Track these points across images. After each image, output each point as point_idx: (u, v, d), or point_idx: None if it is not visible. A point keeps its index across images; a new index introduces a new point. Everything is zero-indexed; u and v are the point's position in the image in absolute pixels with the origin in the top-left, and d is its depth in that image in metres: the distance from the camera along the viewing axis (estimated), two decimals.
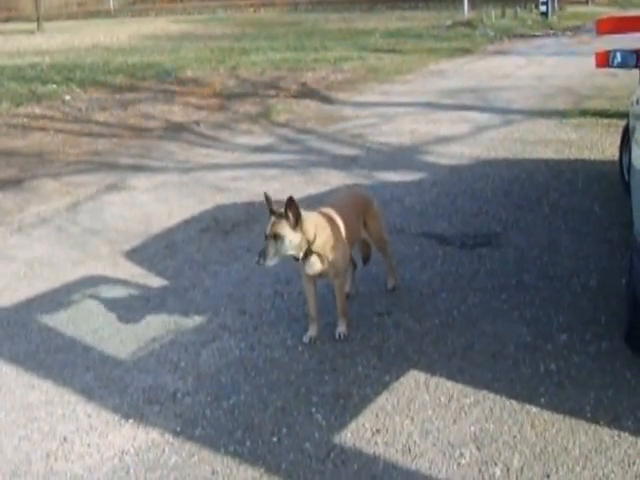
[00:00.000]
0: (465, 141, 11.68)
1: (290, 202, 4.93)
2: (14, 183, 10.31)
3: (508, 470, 4.12)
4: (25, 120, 14.60)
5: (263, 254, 4.91)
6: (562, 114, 13.16)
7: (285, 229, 4.94)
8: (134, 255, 7.40)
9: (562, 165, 9.79)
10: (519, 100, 14.89)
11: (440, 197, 8.70)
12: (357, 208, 5.81)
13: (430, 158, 10.72)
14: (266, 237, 4.97)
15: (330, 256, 5.22)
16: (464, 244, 7.23)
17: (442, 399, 4.77)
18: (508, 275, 6.49)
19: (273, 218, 4.99)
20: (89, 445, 4.52)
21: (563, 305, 5.89)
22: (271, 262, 4.97)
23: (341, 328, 5.51)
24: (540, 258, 6.81)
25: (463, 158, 10.53)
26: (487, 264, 6.74)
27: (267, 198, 5.07)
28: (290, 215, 4.94)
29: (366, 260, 6.19)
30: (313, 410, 4.71)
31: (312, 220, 5.16)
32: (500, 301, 6.00)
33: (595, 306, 5.85)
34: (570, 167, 9.64)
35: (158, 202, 9.16)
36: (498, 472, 4.12)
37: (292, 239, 4.98)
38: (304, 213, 5.06)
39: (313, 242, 5.12)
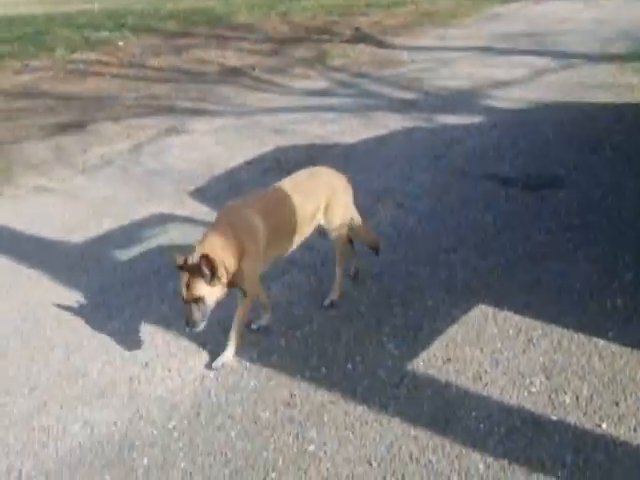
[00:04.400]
0: (524, 85, 11.61)
1: (206, 260, 4.26)
2: (76, 126, 10.45)
3: (577, 398, 4.22)
4: (81, 66, 14.71)
5: (191, 322, 4.36)
6: (622, 58, 12.99)
7: (203, 289, 4.33)
8: (199, 195, 7.55)
9: (624, 109, 9.69)
10: (578, 44, 14.70)
11: (501, 140, 8.70)
12: (311, 197, 5.04)
13: (489, 101, 10.70)
14: (185, 301, 4.38)
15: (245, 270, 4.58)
16: (527, 186, 7.25)
17: (510, 332, 4.87)
18: (572, 216, 6.52)
19: (185, 277, 4.33)
20: (170, 370, 4.70)
21: (628, 245, 5.92)
22: (202, 325, 4.40)
23: (227, 355, 4.79)
24: (604, 199, 6.82)
25: (522, 102, 10.48)
26: (550, 205, 6.77)
27: (171, 251, 4.51)
28: (206, 271, 4.29)
29: (376, 249, 5.58)
30: (385, 340, 4.85)
31: (226, 253, 4.44)
32: (565, 240, 6.05)
33: None
34: (632, 111, 9.54)
35: (218, 144, 9.28)
36: (568, 400, 4.22)
37: (213, 296, 4.41)
38: (211, 247, 4.40)
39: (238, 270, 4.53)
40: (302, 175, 5.24)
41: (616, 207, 6.65)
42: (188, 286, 4.31)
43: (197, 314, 4.34)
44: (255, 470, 3.87)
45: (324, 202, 5.05)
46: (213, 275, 4.30)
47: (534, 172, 7.58)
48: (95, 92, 12.68)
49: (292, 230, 4.88)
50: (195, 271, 4.28)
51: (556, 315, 5.01)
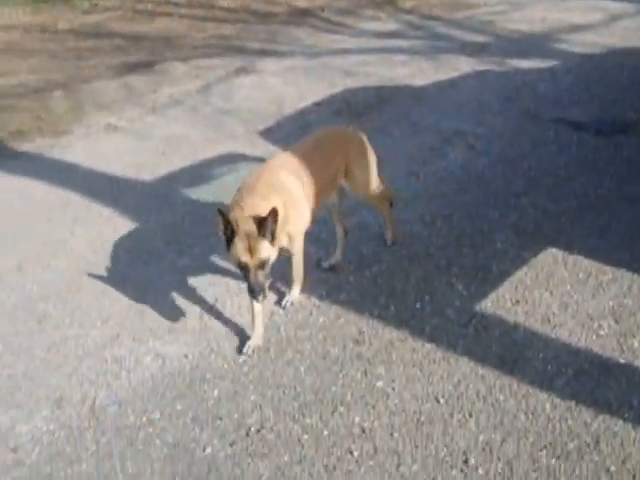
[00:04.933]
0: (598, 30, 11.34)
1: (273, 217, 3.98)
2: (145, 66, 10.52)
3: None
4: (149, 6, 14.75)
5: (261, 289, 4.01)
6: None
7: (269, 250, 4.05)
8: (269, 134, 7.59)
9: None
10: None
11: (574, 84, 8.55)
12: (330, 156, 4.75)
13: (562, 46, 10.49)
14: (247, 268, 4.01)
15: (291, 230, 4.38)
16: (600, 131, 7.14)
17: (580, 275, 4.85)
18: None
19: (245, 241, 3.97)
20: (239, 306, 4.79)
21: None
22: (268, 292, 4.19)
23: (294, 295, 4.80)
24: None
25: (596, 47, 10.25)
26: (623, 151, 6.66)
27: (221, 213, 4.00)
28: (268, 232, 4.01)
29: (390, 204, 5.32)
30: (453, 280, 4.87)
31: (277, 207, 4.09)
32: (637, 186, 5.96)
33: None
34: None
35: (288, 85, 9.27)
36: (636, 343, 4.21)
37: (274, 255, 4.14)
38: (263, 204, 4.11)
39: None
40: (321, 136, 4.97)
41: None
42: (251, 250, 3.97)
43: (263, 279, 4.02)
44: (324, 404, 3.94)
45: (344, 164, 4.78)
46: (273, 235, 4.03)
47: (608, 118, 7.45)
48: (164, 32, 12.72)
49: (317, 192, 4.58)
50: (256, 233, 3.95)
51: (627, 260, 4.96)
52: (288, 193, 4.33)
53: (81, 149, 7.67)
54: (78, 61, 10.77)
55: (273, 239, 4.03)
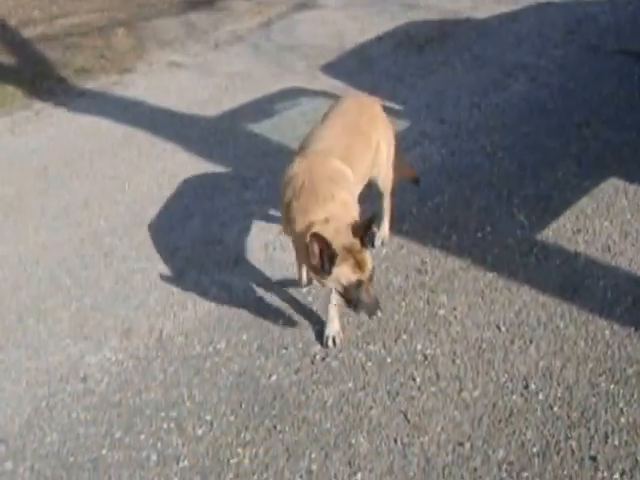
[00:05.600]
0: None
1: (371, 221, 3.51)
2: (206, 3, 10.51)
3: None
4: None
5: (379, 304, 3.63)
6: None
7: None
8: (330, 69, 7.61)
9: None
10: None
11: (636, 15, 8.36)
12: (368, 133, 4.23)
13: None
14: (361, 286, 3.50)
15: None
16: None
17: None
18: None
19: (354, 257, 3.45)
20: None
21: None
22: None
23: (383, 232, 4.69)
24: None
25: None
26: None
27: (318, 236, 3.38)
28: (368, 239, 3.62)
29: (416, 181, 5.01)
30: (515, 210, 4.92)
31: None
32: None
33: None
34: None
35: (349, 19, 9.23)
36: None
37: None
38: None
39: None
40: (351, 108, 4.39)
41: None
42: (360, 265, 3.46)
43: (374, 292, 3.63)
44: (387, 332, 4.06)
45: (376, 141, 4.27)
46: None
47: None
48: None
49: (361, 178, 4.14)
50: (359, 245, 3.47)
51: None
52: (348, 182, 3.85)
53: (144, 86, 7.78)
54: (139, 0, 10.82)
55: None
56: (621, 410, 3.47)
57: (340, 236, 3.42)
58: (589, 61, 7.13)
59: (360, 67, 7.42)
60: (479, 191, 5.16)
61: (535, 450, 3.34)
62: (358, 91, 6.25)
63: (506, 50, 7.53)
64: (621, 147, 5.53)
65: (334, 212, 3.55)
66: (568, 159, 5.43)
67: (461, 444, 3.41)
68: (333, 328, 4.01)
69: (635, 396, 3.52)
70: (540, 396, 3.58)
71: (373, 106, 4.46)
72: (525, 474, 3.25)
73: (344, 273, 3.43)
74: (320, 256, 3.38)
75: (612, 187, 5.07)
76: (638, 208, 4.84)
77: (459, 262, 4.49)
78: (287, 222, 3.78)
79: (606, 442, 3.33)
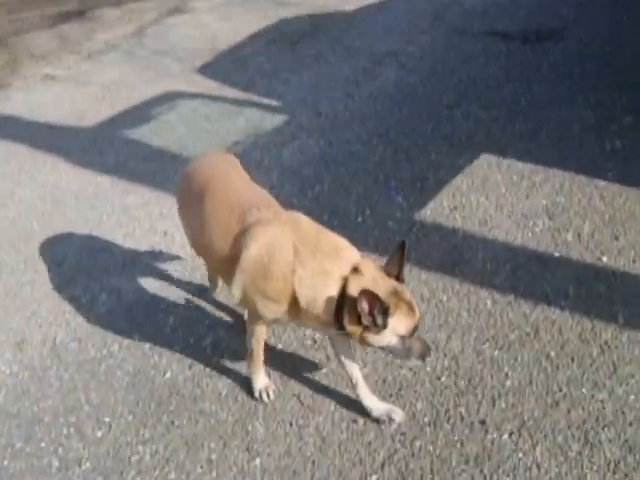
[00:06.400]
0: None
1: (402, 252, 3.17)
2: (77, 14, 10.39)
3: (579, 235, 4.43)
4: None
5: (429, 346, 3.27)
6: None
7: None
8: (206, 71, 7.63)
9: None
10: None
11: None
12: None
13: None
14: (417, 330, 3.14)
15: None
16: (527, 39, 7.28)
17: (514, 178, 5.04)
18: (571, 65, 6.57)
19: (404, 303, 3.06)
20: None
21: (627, 90, 5.99)
22: None
23: None
24: (602, 48, 6.84)
25: None
26: (550, 56, 6.82)
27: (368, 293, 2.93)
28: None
29: None
30: (393, 193, 5.05)
31: None
32: (564, 88, 6.14)
33: None
34: None
35: (222, 20, 9.27)
36: (570, 237, 4.42)
37: None
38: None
39: None
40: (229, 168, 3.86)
41: (614, 54, 6.68)
42: (412, 308, 3.09)
43: None
44: None
45: None
46: None
47: (534, 26, 7.58)
48: None
49: None
50: (402, 287, 3.13)
51: (557, 160, 5.16)
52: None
53: (20, 101, 7.66)
54: (9, 15, 10.61)
55: None
56: (506, 374, 3.60)
57: (380, 283, 3.04)
58: (457, 44, 7.34)
59: (235, 67, 7.46)
60: (357, 178, 5.27)
61: (426, 420, 3.43)
62: (225, 103, 6.32)
63: (375, 40, 7.69)
64: (491, 124, 5.72)
65: (353, 259, 3.15)
66: (441, 140, 5.59)
67: (355, 421, 3.48)
68: (261, 381, 3.71)
69: (519, 359, 3.65)
70: (428, 368, 3.68)
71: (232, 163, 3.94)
72: (418, 443, 3.33)
73: (401, 322, 3.04)
74: (370, 313, 2.97)
75: (485, 163, 5.24)
76: (511, 181, 5.01)
77: None
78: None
79: (494, 406, 3.44)
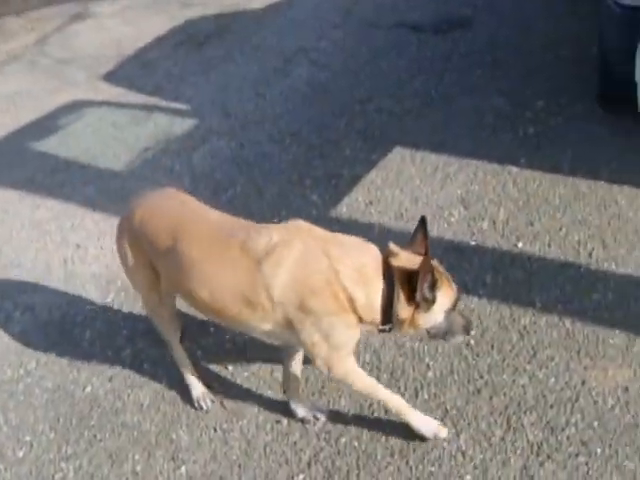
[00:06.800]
0: None
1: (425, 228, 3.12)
2: None
3: (494, 223, 4.43)
4: None
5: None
6: None
7: None
8: (112, 77, 7.47)
9: None
10: None
11: None
12: None
13: None
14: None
15: None
16: (437, 30, 7.28)
17: (428, 169, 5.03)
18: (482, 54, 6.59)
19: (444, 276, 3.07)
20: (102, 247, 4.80)
21: (538, 76, 6.04)
22: None
23: None
24: (513, 36, 6.88)
25: None
26: (461, 46, 6.84)
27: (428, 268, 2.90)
28: None
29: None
30: (307, 192, 5.00)
31: None
32: (476, 77, 6.16)
33: (569, 74, 6.01)
34: None
35: (126, 25, 9.07)
36: (485, 225, 4.43)
37: None
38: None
39: None
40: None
41: (525, 42, 6.72)
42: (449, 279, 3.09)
43: None
44: (195, 327, 4.01)
45: None
46: None
47: (444, 16, 7.58)
48: None
49: None
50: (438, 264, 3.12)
51: (471, 149, 5.17)
52: None
53: None
54: None
55: None
56: (427, 365, 3.60)
57: (417, 260, 2.94)
58: (368, 37, 7.30)
59: (141, 71, 7.31)
60: (271, 179, 5.20)
61: (350, 416, 3.42)
62: (133, 109, 6.22)
63: (285, 37, 7.61)
64: (404, 117, 5.70)
65: (375, 247, 3.09)
66: (354, 135, 5.55)
67: (279, 422, 3.46)
68: (198, 389, 3.63)
69: (439, 350, 3.65)
70: None
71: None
72: (343, 439, 3.32)
73: (446, 295, 3.01)
74: (429, 287, 2.90)
75: (399, 156, 5.22)
76: (426, 173, 4.99)
77: None
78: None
79: (417, 397, 3.45)
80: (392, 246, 3.05)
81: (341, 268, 2.91)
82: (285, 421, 3.44)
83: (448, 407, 3.38)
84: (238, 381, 3.69)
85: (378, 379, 3.47)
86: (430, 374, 3.55)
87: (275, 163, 5.37)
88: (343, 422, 3.38)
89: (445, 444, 3.23)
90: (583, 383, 3.42)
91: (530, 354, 3.58)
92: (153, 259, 3.30)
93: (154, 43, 8.14)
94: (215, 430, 3.47)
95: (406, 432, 3.26)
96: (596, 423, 3.26)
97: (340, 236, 3.14)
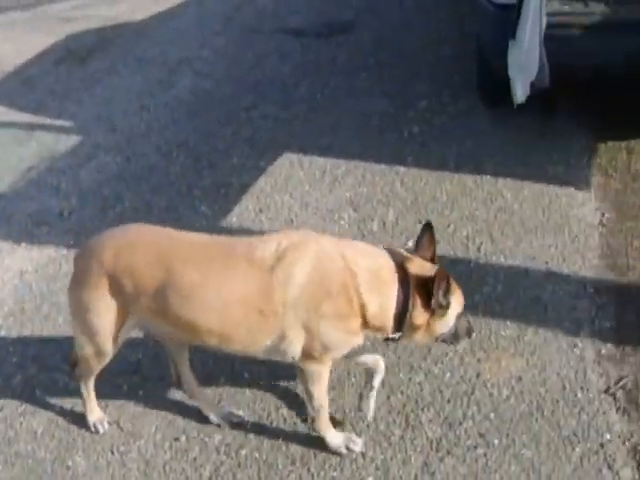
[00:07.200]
0: None
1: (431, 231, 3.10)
2: None
3: (384, 223, 4.49)
4: None
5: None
6: None
7: None
8: None
9: None
10: None
11: None
12: None
13: None
14: None
15: None
16: (320, 34, 7.34)
17: (317, 174, 5.06)
18: (366, 56, 6.69)
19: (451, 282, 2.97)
20: None
21: (421, 76, 6.18)
22: None
23: None
24: (395, 38, 7.01)
25: None
26: (344, 49, 6.92)
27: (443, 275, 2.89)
28: None
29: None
30: (197, 203, 4.95)
31: None
32: (361, 80, 6.24)
33: (450, 72, 6.16)
34: None
35: (5, 42, 8.77)
36: (375, 226, 4.48)
37: None
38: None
39: None
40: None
41: (407, 43, 6.86)
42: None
43: None
44: None
45: None
46: None
47: (326, 20, 7.66)
48: None
49: None
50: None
51: (358, 151, 5.23)
52: None
53: None
54: None
55: None
56: None
57: (428, 266, 2.97)
58: (251, 44, 7.30)
59: (22, 89, 7.13)
60: (159, 192, 5.13)
61: (250, 425, 3.39)
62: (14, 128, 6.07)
63: (168, 47, 7.54)
64: (291, 122, 5.73)
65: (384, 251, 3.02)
66: (241, 143, 5.54)
67: (177, 439, 3.39)
68: (95, 414, 3.51)
69: None
70: (246, 375, 3.63)
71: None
72: (243, 452, 3.29)
73: (457, 299, 3.01)
74: (444, 297, 2.90)
75: (287, 162, 5.23)
76: (314, 177, 5.02)
77: None
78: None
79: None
80: (404, 252, 3.04)
81: (357, 270, 2.86)
82: (184, 437, 3.38)
83: (347, 410, 3.39)
84: (133, 401, 3.60)
85: (274, 389, 3.54)
86: None
87: (163, 176, 5.30)
88: (243, 434, 3.35)
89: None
90: (478, 376, 3.49)
91: (425, 351, 3.61)
92: (132, 301, 3.03)
93: (35, 60, 7.94)
94: (112, 453, 3.38)
95: (306, 439, 3.27)
96: (492, 414, 3.32)
97: (351, 240, 3.21)
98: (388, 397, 3.42)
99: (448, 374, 3.50)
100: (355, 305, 2.86)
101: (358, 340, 3.00)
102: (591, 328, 3.72)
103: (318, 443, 3.24)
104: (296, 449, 3.26)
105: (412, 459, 3.16)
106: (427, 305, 2.88)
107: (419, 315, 2.90)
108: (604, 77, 4.95)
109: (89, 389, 3.47)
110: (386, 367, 3.39)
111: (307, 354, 2.97)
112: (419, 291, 2.87)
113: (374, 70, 6.39)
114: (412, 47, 6.73)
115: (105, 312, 3.09)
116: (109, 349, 3.22)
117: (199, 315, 2.95)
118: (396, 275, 2.88)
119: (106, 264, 3.02)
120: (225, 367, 3.64)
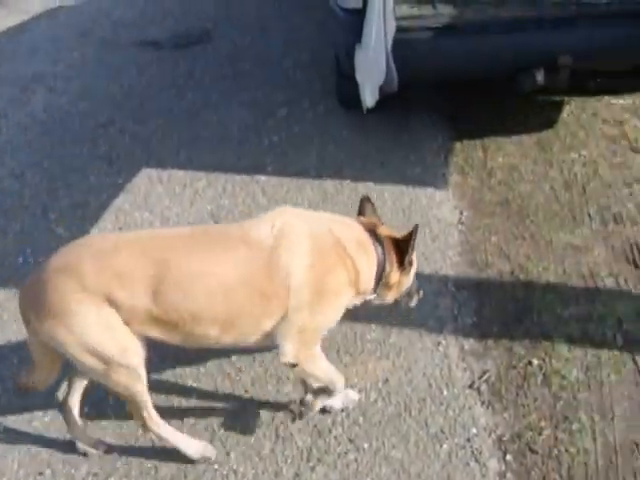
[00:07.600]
0: None
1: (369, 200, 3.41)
2: None
3: None
4: None
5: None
6: None
7: None
8: None
9: None
10: None
11: (149, 5, 8.54)
12: None
13: None
14: None
15: None
16: (177, 45, 7.27)
17: (176, 188, 4.99)
18: (224, 67, 6.66)
19: None
20: None
21: (279, 84, 6.20)
22: None
23: None
24: (253, 47, 7.01)
25: None
26: (202, 60, 6.86)
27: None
28: None
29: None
30: (53, 226, 4.80)
31: None
32: (219, 92, 6.20)
33: (309, 78, 6.20)
34: None
35: None
36: None
37: None
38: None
39: None
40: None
41: (264, 51, 6.88)
42: None
43: None
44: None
45: None
46: None
47: (183, 31, 7.59)
48: None
49: None
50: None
51: (218, 163, 5.20)
52: None
53: None
54: None
55: None
56: (192, 388, 3.54)
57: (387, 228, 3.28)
58: (107, 58, 7.16)
59: None
60: (12, 216, 4.94)
61: (117, 452, 3.32)
62: None
63: (20, 64, 7.28)
64: (149, 137, 5.65)
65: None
66: (98, 161, 5.41)
67: (41, 473, 3.28)
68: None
69: (202, 370, 3.61)
70: (111, 402, 3.50)
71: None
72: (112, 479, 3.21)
73: (415, 258, 3.30)
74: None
75: (146, 178, 5.14)
76: (174, 192, 4.95)
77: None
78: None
79: (182, 422, 3.40)
80: (366, 219, 3.23)
81: (345, 242, 3.00)
82: (48, 471, 3.26)
83: (215, 427, 3.36)
84: None
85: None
86: (194, 396, 3.52)
87: (16, 199, 5.11)
88: (111, 461, 3.27)
89: (216, 465, 3.20)
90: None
91: None
92: (126, 311, 2.79)
93: None
94: None
95: (176, 458, 3.21)
96: (361, 419, 3.36)
97: (324, 212, 3.32)
98: (257, 410, 3.41)
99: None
100: (352, 274, 2.99)
101: (340, 313, 3.13)
102: (454, 325, 3.81)
103: (190, 463, 3.20)
104: (166, 471, 3.21)
105: (284, 471, 3.17)
106: (400, 263, 3.13)
107: (395, 273, 3.14)
108: (455, 78, 5.05)
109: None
110: (252, 380, 3.39)
111: (299, 340, 2.97)
112: (394, 251, 3.11)
113: (232, 81, 6.36)
114: (271, 55, 6.74)
115: (109, 325, 2.80)
116: (138, 361, 2.91)
117: (203, 304, 2.84)
118: (371, 240, 3.08)
119: (88, 278, 2.72)
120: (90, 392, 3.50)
